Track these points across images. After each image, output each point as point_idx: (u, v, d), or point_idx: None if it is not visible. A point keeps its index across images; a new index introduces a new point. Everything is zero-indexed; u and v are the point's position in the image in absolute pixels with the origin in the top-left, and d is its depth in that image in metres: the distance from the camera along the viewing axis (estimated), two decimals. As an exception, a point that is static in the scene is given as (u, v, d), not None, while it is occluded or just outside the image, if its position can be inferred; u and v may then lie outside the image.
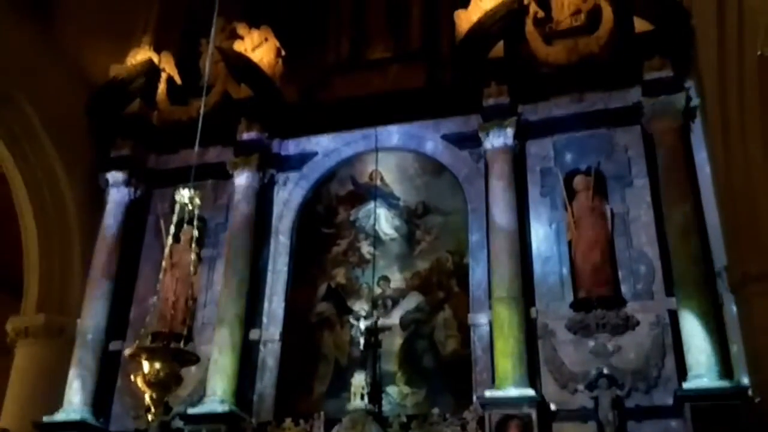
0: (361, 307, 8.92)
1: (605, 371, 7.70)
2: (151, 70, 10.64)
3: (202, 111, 7.20)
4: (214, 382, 8.56)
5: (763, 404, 6.99)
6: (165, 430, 8.38)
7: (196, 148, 6.94)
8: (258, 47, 10.38)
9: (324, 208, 9.84)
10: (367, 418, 7.91)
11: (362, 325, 8.53)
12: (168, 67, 10.96)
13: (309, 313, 9.22)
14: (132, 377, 4.95)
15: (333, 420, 8.11)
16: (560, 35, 9.51)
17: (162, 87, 10.77)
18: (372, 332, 8.52)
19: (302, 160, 10.05)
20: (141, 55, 10.77)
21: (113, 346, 9.32)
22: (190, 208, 5.53)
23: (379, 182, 9.68)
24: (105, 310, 9.40)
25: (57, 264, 10.13)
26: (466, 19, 9.63)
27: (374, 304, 8.90)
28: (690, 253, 7.77)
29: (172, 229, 5.61)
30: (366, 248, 9.37)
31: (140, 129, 10.46)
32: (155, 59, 10.78)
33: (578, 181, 8.73)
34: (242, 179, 9.69)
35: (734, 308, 7.69)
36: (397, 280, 9.11)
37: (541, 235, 8.67)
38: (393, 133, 9.81)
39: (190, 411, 8.41)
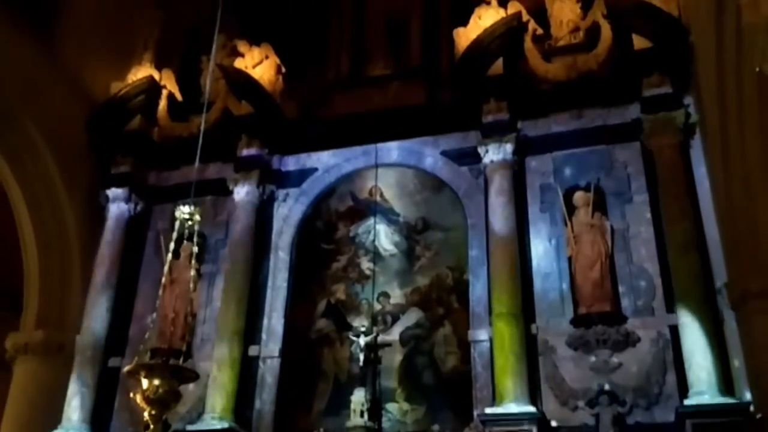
0: (360, 323, 8.90)
1: (606, 388, 7.67)
2: (152, 87, 10.70)
3: (202, 127, 7.23)
4: (213, 399, 8.53)
5: (764, 420, 6.96)
6: (164, 448, 8.32)
7: (197, 164, 6.96)
8: (258, 64, 10.44)
9: (324, 224, 9.84)
10: (366, 436, 7.87)
11: (362, 341, 8.52)
12: (169, 84, 11.02)
13: (308, 330, 9.20)
14: (131, 394, 4.93)
15: (333, 437, 8.07)
16: (559, 52, 9.57)
17: (163, 104, 10.82)
18: (372, 348, 8.50)
19: (302, 176, 10.08)
20: (142, 72, 10.83)
21: (112, 362, 9.30)
22: (190, 224, 5.53)
23: (378, 198, 9.70)
24: (104, 327, 9.40)
25: (57, 280, 10.11)
26: (465, 36, 9.70)
27: (374, 321, 8.88)
28: (690, 270, 7.78)
29: (172, 245, 5.60)
30: (366, 264, 9.36)
31: (141, 145, 10.50)
32: (156, 76, 10.85)
33: (578, 197, 8.74)
34: (242, 195, 9.71)
35: (735, 325, 7.66)
36: (397, 296, 9.10)
37: (541, 250, 8.67)
38: (393, 150, 9.84)
39: (189, 428, 8.38)
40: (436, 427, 8.00)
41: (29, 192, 10.06)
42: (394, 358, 8.72)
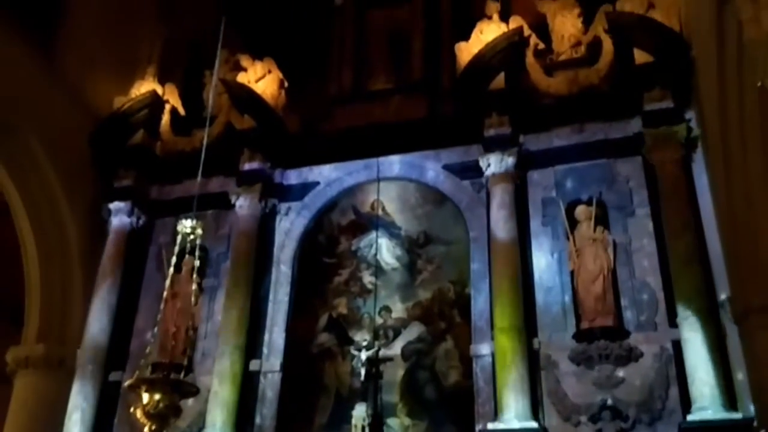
0: (362, 337, 8.85)
1: (609, 403, 7.65)
2: (155, 102, 10.75)
3: (205, 141, 7.24)
4: (213, 413, 8.50)
5: (768, 436, 6.92)
6: (164, 463, 8.27)
7: (199, 178, 6.98)
8: (261, 79, 10.49)
9: (325, 237, 9.84)
10: (368, 451, 7.83)
11: (363, 355, 8.46)
12: (172, 98, 11.07)
13: (310, 344, 9.18)
14: (131, 408, 4.91)
15: (334, 452, 8.04)
16: (561, 67, 9.60)
17: (166, 118, 10.87)
18: (373, 363, 8.44)
19: (304, 189, 10.09)
20: (145, 86, 10.89)
21: (113, 376, 9.28)
22: (192, 238, 5.53)
23: (380, 212, 9.70)
24: (105, 341, 9.39)
25: (58, 294, 10.10)
26: (466, 51, 9.74)
27: (376, 335, 8.84)
28: (692, 284, 7.76)
29: (174, 259, 5.60)
30: (367, 278, 9.35)
31: (143, 159, 10.53)
32: (159, 91, 10.90)
33: (580, 210, 8.73)
34: (244, 209, 9.72)
35: (738, 339, 7.63)
36: (398, 310, 9.08)
37: (543, 264, 8.66)
38: (394, 163, 9.85)
39: (190, 443, 8.34)
40: (437, 442, 7.96)
41: (31, 205, 10.08)
42: (395, 372, 8.69)
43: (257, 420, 8.70)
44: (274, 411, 8.76)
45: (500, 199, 8.85)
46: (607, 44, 9.28)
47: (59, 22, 10.55)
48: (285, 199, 10.09)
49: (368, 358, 8.42)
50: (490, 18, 10.01)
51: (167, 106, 10.95)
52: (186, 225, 5.49)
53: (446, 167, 9.61)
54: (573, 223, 8.69)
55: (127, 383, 4.90)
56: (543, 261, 8.67)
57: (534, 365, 8.04)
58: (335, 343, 9.10)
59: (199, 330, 9.34)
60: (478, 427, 7.95)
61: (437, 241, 9.36)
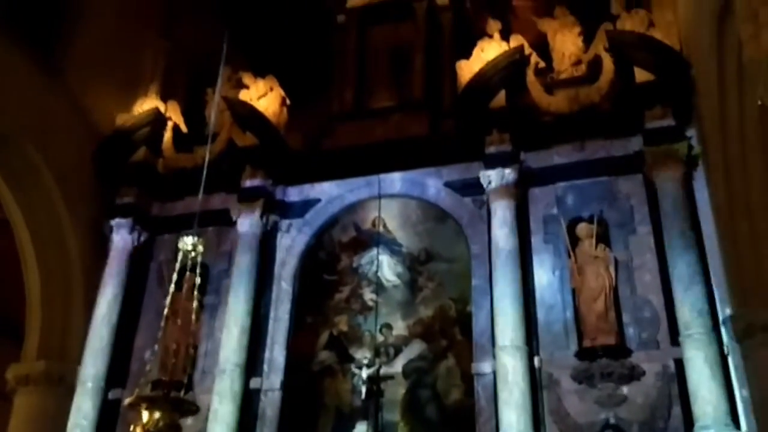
0: (363, 355, 8.83)
1: (611, 422, 7.61)
2: (158, 119, 10.78)
3: (207, 158, 7.26)
4: (213, 432, 8.44)
5: (771, 456, 6.87)
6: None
7: (201, 195, 6.99)
8: (263, 96, 10.53)
9: (327, 254, 9.83)
10: (369, 470, 7.79)
11: (364, 373, 8.43)
12: (174, 115, 11.11)
13: (310, 362, 9.14)
14: (131, 427, 4.88)
15: (334, 472, 7.98)
16: (561, 85, 9.65)
17: (168, 135, 10.90)
18: (374, 381, 8.40)
19: (305, 206, 10.09)
20: (148, 104, 10.94)
21: (113, 394, 9.23)
22: (193, 255, 5.53)
23: (381, 229, 9.69)
24: (106, 358, 9.34)
25: (59, 311, 10.08)
26: (467, 69, 9.79)
27: (376, 352, 8.81)
28: (694, 302, 7.73)
29: (175, 276, 5.60)
30: (368, 295, 9.33)
31: (145, 176, 10.54)
32: (162, 108, 10.94)
33: (581, 228, 8.72)
34: (245, 226, 9.72)
35: (740, 358, 7.60)
36: (399, 327, 9.05)
37: (544, 282, 8.64)
38: (396, 180, 9.86)
39: (189, 462, 8.27)
40: (439, 461, 7.90)
41: (33, 221, 10.08)
42: (396, 390, 8.63)
43: (257, 438, 8.65)
44: (274, 430, 8.70)
45: (501, 216, 8.85)
46: (608, 62, 9.33)
47: (63, 38, 10.62)
48: (286, 215, 10.09)
49: (369, 376, 8.39)
50: (491, 36, 10.08)
51: (169, 123, 10.99)
52: (187, 242, 5.50)
53: (447, 184, 9.63)
54: (574, 240, 8.69)
55: (127, 401, 4.88)
56: (544, 278, 8.66)
57: (536, 384, 8.00)
58: (336, 361, 9.05)
59: (200, 348, 9.30)
60: (480, 446, 7.90)
61: (438, 258, 9.35)
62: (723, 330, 7.77)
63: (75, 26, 10.80)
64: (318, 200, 10.09)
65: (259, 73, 10.82)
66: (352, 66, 11.18)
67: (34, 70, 9.86)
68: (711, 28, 7.60)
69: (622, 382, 7.76)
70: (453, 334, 8.83)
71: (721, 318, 7.82)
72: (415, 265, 9.39)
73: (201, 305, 9.08)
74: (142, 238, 10.20)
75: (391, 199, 9.81)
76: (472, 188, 9.34)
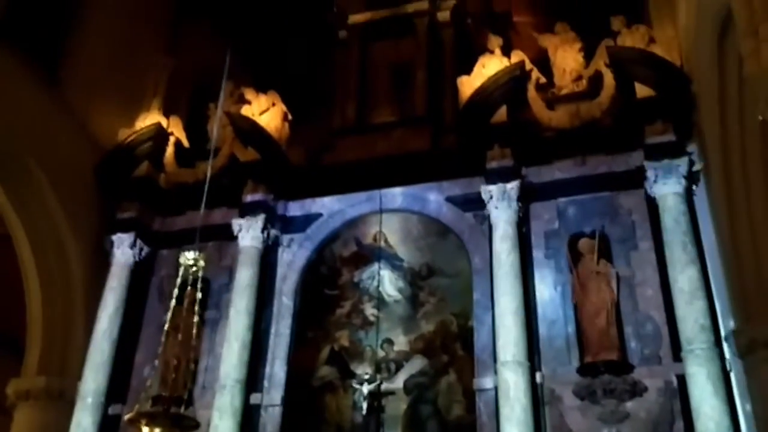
0: (364, 370, 8.80)
1: (614, 438, 7.55)
2: (160, 134, 10.81)
3: (209, 173, 7.28)
4: (214, 447, 8.40)
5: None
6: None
7: (202, 209, 6.99)
8: (265, 112, 10.57)
9: (328, 269, 9.81)
10: (370, 487, 7.74)
11: (365, 389, 8.41)
12: (176, 130, 11.15)
13: (311, 377, 9.10)
14: (131, 443, 4.86)
15: (335, 488, 7.93)
16: (562, 100, 9.68)
17: (170, 150, 10.93)
18: (375, 397, 8.39)
19: (307, 221, 10.09)
20: (150, 119, 10.97)
21: (113, 409, 9.19)
22: (195, 270, 5.53)
23: (383, 243, 9.69)
24: (106, 373, 9.32)
25: (60, 325, 10.05)
26: (469, 84, 9.83)
27: (377, 368, 8.79)
28: (697, 318, 7.70)
29: (176, 291, 5.60)
30: (369, 310, 9.31)
31: (147, 191, 10.55)
32: (164, 123, 10.97)
33: (583, 243, 8.72)
34: (247, 241, 9.71)
35: (743, 374, 7.57)
36: (401, 343, 9.01)
37: (546, 297, 8.62)
38: (397, 195, 9.87)
39: (189, 478, 8.20)
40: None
41: (34, 236, 10.08)
42: (398, 406, 8.59)
43: (258, 454, 8.61)
44: (274, 445, 8.66)
45: (503, 231, 8.84)
46: (609, 78, 9.36)
47: (65, 53, 10.69)
48: (287, 230, 10.09)
49: (370, 392, 8.37)
50: (492, 52, 10.13)
51: (171, 138, 11.03)
52: (188, 257, 5.50)
53: (449, 199, 9.63)
54: (576, 255, 8.67)
55: (127, 417, 4.87)
56: (546, 294, 8.64)
57: (537, 400, 7.97)
58: (337, 377, 9.01)
59: (200, 363, 9.26)
60: (482, 462, 7.85)
61: (440, 273, 9.33)
62: (725, 345, 7.74)
63: (78, 42, 10.87)
64: (319, 215, 10.09)
65: (261, 89, 10.86)
66: (354, 81, 11.22)
67: (36, 85, 9.90)
68: (712, 44, 7.63)
69: (625, 398, 7.72)
70: (454, 350, 8.80)
71: (723, 333, 7.80)
72: (416, 280, 9.37)
73: (202, 320, 9.03)
74: (144, 253, 10.20)
75: (393, 214, 9.81)
76: (473, 203, 9.34)
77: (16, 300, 10.34)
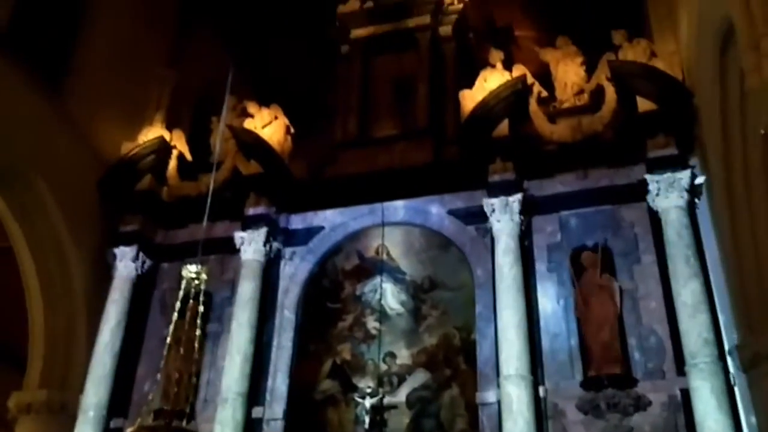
0: (366, 384, 8.77)
1: (618, 453, 7.51)
2: (163, 147, 10.84)
3: (211, 186, 7.30)
4: (215, 461, 8.36)
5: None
6: None
7: (205, 222, 6.99)
8: (268, 125, 10.60)
9: (330, 282, 9.81)
10: (372, 501, 7.69)
11: (368, 403, 8.38)
12: (179, 144, 11.18)
13: (313, 391, 9.07)
14: (133, 456, 4.85)
15: (337, 503, 7.89)
16: (564, 114, 9.71)
17: (173, 163, 10.96)
18: (377, 411, 8.35)
19: (309, 234, 10.09)
20: (153, 132, 11.00)
21: (115, 423, 9.16)
22: (197, 283, 5.53)
23: (385, 257, 9.68)
24: (108, 386, 9.29)
25: (62, 339, 10.05)
26: (470, 98, 9.86)
27: (380, 382, 8.75)
28: (700, 332, 7.68)
29: (178, 304, 5.59)
30: (372, 323, 9.29)
31: (150, 204, 10.57)
32: (167, 136, 11.00)
33: (585, 257, 8.71)
34: (249, 254, 9.71)
35: (747, 388, 7.54)
36: (403, 356, 8.99)
37: (549, 311, 8.61)
38: (399, 208, 9.87)
39: (191, 492, 8.17)
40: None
41: (37, 249, 10.09)
42: (400, 420, 8.56)
43: (259, 469, 8.57)
44: (276, 460, 8.63)
45: (505, 244, 8.83)
46: (610, 92, 9.39)
47: (69, 67, 10.73)
48: (290, 243, 10.09)
49: (372, 406, 8.34)
50: (493, 66, 10.17)
51: (174, 152, 11.06)
52: (191, 270, 5.50)
53: (451, 212, 9.63)
54: (578, 268, 8.66)
55: (128, 431, 4.85)
56: (549, 307, 8.62)
57: (541, 414, 7.93)
58: (339, 390, 8.99)
59: (202, 376, 9.24)
60: (485, 477, 7.80)
61: (442, 286, 9.32)
62: (729, 359, 7.72)
63: (81, 55, 10.92)
64: (321, 228, 10.10)
65: (264, 102, 10.90)
66: (356, 95, 11.25)
67: (40, 98, 9.94)
68: (713, 58, 7.66)
69: (629, 412, 7.69)
70: (457, 363, 8.77)
71: (727, 347, 7.78)
72: (418, 293, 9.36)
73: (204, 333, 9.03)
74: (146, 266, 10.20)
75: (395, 227, 9.81)
76: (475, 216, 9.34)
77: (18, 313, 10.33)
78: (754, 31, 5.28)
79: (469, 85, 10.11)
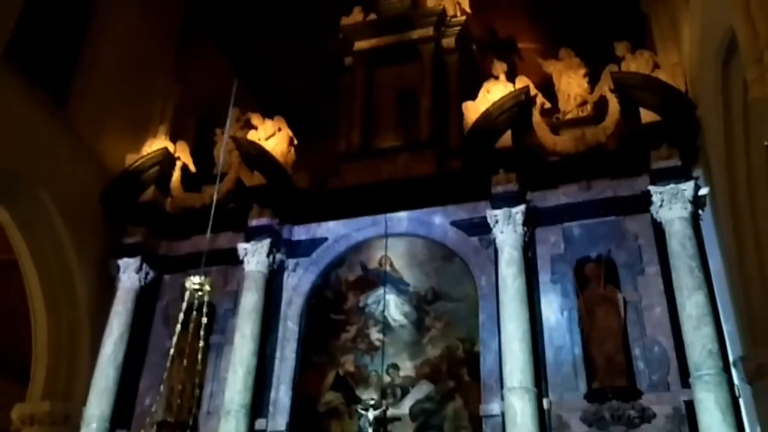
0: (369, 396, 8.72)
1: (622, 466, 7.46)
2: (166, 159, 10.87)
3: (215, 198, 7.31)
4: (218, 474, 8.33)
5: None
6: None
7: (208, 234, 7.00)
8: (271, 136, 10.63)
9: (333, 293, 9.79)
10: None
11: (371, 415, 8.34)
12: (183, 155, 11.21)
13: (316, 402, 9.05)
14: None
15: None
16: (567, 125, 9.72)
17: (176, 175, 10.99)
18: (381, 423, 8.32)
19: (312, 245, 10.09)
20: (157, 144, 11.04)
21: (118, 435, 9.15)
22: (200, 294, 5.54)
23: (388, 268, 9.67)
24: (111, 398, 9.27)
25: (65, 350, 10.03)
26: (474, 109, 9.88)
27: (383, 393, 8.73)
28: (705, 343, 7.64)
29: (181, 316, 5.60)
30: (375, 335, 9.27)
31: (153, 216, 10.58)
32: (171, 148, 11.04)
33: (589, 268, 8.69)
34: (252, 265, 9.70)
35: (751, 400, 7.50)
36: (406, 368, 8.96)
37: (553, 322, 8.58)
38: (402, 219, 9.87)
39: (193, 505, 8.14)
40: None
41: (40, 261, 10.09)
42: (404, 432, 8.54)
43: (262, 481, 8.54)
44: (279, 472, 8.60)
45: (508, 255, 8.82)
46: (613, 103, 9.40)
47: (73, 79, 10.79)
48: (293, 254, 10.09)
49: (376, 418, 8.31)
50: (496, 78, 10.21)
51: (178, 163, 11.09)
52: (194, 281, 5.52)
53: (454, 223, 9.62)
54: (582, 280, 8.64)
55: (131, 443, 4.84)
56: (553, 318, 8.60)
57: (545, 426, 7.89)
58: (342, 402, 8.96)
59: (205, 388, 9.23)
60: (488, 489, 7.76)
61: (445, 297, 9.30)
62: (734, 371, 7.68)
63: (85, 67, 10.99)
64: (325, 239, 10.09)
65: (268, 114, 10.94)
66: (359, 107, 11.27)
67: (44, 110, 9.98)
68: (716, 70, 7.67)
69: (633, 424, 7.64)
70: (461, 375, 8.74)
71: (731, 359, 7.74)
72: (422, 305, 9.34)
73: (207, 345, 9.01)
74: (149, 278, 10.20)
75: (398, 238, 9.81)
76: (478, 227, 9.33)
77: (21, 325, 10.33)
78: (757, 42, 5.29)
79: (472, 96, 10.14)
